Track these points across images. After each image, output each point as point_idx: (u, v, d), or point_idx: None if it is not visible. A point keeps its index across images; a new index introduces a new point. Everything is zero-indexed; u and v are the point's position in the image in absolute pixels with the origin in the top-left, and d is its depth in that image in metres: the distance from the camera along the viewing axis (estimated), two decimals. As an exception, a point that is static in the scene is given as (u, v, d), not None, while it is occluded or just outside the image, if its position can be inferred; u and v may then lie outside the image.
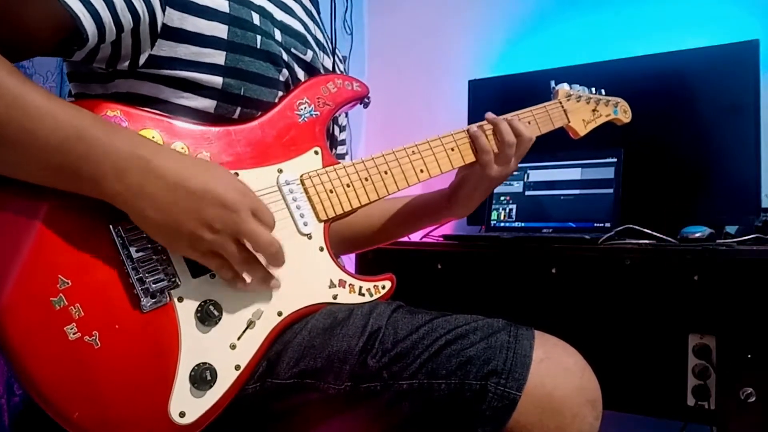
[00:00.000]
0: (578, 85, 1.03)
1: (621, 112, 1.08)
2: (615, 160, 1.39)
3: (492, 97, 1.70)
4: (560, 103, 0.99)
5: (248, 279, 0.67)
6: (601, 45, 1.69)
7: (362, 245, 1.04)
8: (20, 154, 0.57)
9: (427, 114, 2.01)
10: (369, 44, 2.17)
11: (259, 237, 0.64)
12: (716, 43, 1.40)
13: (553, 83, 1.02)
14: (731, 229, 1.30)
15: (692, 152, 1.41)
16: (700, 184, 1.40)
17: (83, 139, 0.57)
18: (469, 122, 1.69)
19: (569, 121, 0.99)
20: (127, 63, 0.69)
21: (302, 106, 0.79)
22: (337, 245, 0.97)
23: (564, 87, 1.01)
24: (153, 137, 0.68)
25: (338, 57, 1.00)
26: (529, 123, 0.92)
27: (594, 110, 1.03)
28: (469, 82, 1.75)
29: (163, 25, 0.68)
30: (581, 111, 1.01)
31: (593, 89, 1.06)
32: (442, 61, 2.00)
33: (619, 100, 1.09)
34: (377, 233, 1.00)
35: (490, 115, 0.90)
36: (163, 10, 0.68)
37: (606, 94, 1.08)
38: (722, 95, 1.37)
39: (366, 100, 0.87)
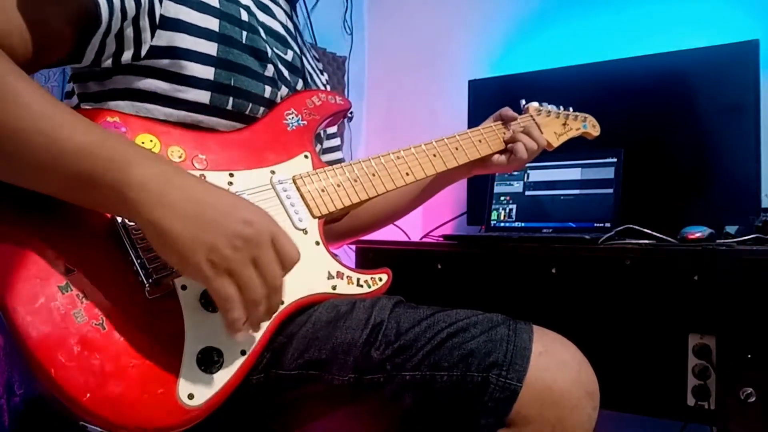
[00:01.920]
0: (547, 103, 1.10)
1: (590, 126, 1.15)
2: (615, 160, 1.39)
3: (492, 97, 1.69)
4: (532, 117, 1.05)
5: (243, 318, 0.61)
6: (601, 45, 1.69)
7: (399, 214, 1.09)
8: (43, 163, 0.56)
9: (427, 114, 2.01)
10: (369, 44, 2.17)
11: (272, 267, 0.61)
12: (716, 43, 1.40)
13: (523, 102, 1.09)
14: (731, 229, 1.30)
15: (692, 152, 1.42)
16: (700, 184, 1.40)
17: (106, 145, 0.57)
18: (469, 122, 1.72)
19: (542, 133, 1.04)
20: (130, 54, 0.71)
21: (290, 116, 0.84)
22: (368, 220, 1.05)
23: (534, 104, 1.08)
24: (150, 141, 0.71)
25: (317, 58, 1.05)
26: (504, 134, 1.01)
27: (564, 124, 1.10)
28: (469, 82, 1.75)
29: (161, 15, 0.72)
30: (552, 124, 1.08)
31: (561, 107, 1.12)
32: (442, 61, 2.00)
33: (587, 115, 1.15)
34: (413, 200, 1.07)
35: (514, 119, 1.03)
36: (160, 1, 0.71)
37: (575, 110, 1.14)
38: (722, 95, 1.37)
39: (349, 115, 0.91)
